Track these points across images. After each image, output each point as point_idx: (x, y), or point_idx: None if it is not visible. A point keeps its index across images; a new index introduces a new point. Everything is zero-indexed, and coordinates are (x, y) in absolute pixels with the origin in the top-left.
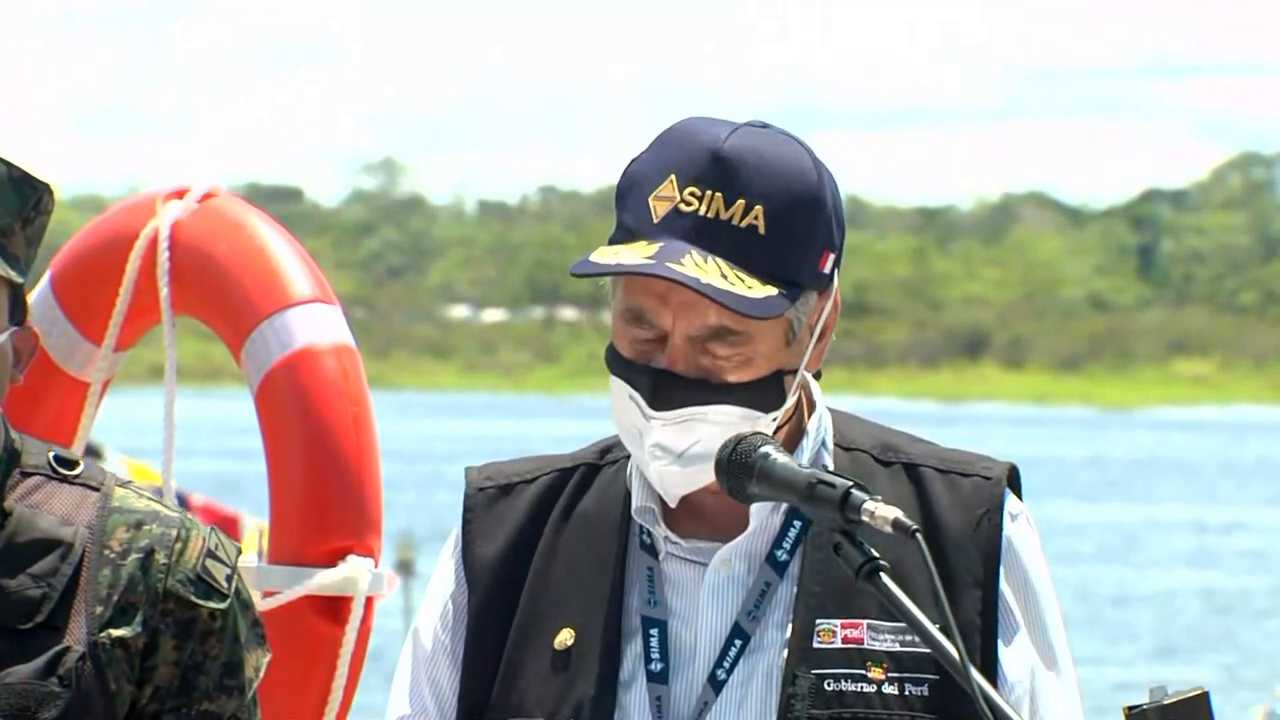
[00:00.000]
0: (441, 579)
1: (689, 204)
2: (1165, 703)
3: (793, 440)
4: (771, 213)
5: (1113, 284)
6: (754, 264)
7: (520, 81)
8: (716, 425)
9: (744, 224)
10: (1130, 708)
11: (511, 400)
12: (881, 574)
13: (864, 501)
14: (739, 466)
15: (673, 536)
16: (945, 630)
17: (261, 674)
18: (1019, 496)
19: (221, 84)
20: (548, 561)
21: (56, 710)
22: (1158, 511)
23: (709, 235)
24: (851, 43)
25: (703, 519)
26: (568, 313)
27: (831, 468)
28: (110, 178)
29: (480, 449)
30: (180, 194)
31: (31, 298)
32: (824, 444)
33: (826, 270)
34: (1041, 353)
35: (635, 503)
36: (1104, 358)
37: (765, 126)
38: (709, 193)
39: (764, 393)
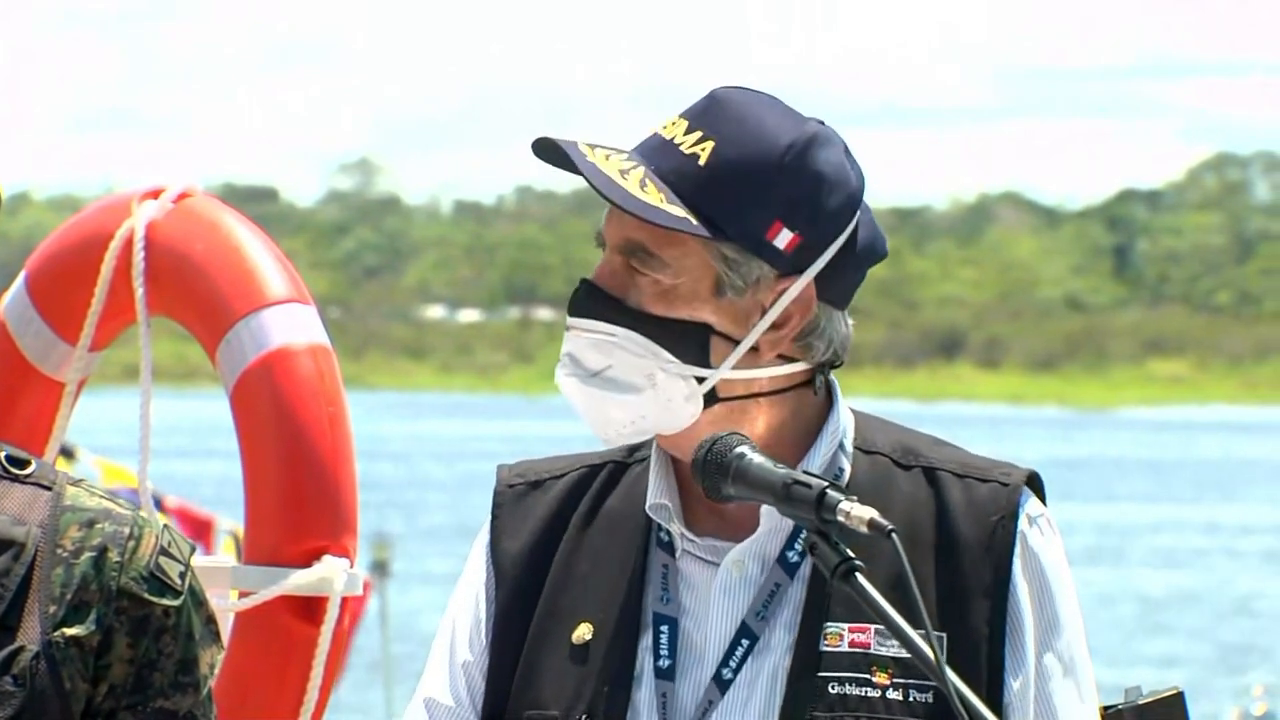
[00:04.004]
0: (471, 571)
1: (665, 131)
2: (1140, 703)
3: (806, 440)
4: (719, 151)
5: (1088, 284)
6: (683, 190)
7: (500, 82)
8: (632, 356)
9: (688, 151)
10: (1106, 708)
11: (487, 400)
12: (857, 574)
13: (839, 502)
14: (714, 466)
15: (689, 534)
16: (922, 633)
17: (216, 670)
18: (1043, 501)
19: (197, 86)
20: (571, 557)
21: (12, 709)
22: (1133, 511)
23: (656, 153)
24: (830, 44)
25: (719, 517)
26: (544, 313)
27: (849, 470)
28: (86, 179)
29: (457, 449)
30: (156, 194)
31: (7, 297)
32: (842, 446)
33: (777, 244)
34: (1017, 353)
35: (650, 499)
36: (1080, 358)
37: (820, 123)
38: (683, 122)
39: (679, 338)
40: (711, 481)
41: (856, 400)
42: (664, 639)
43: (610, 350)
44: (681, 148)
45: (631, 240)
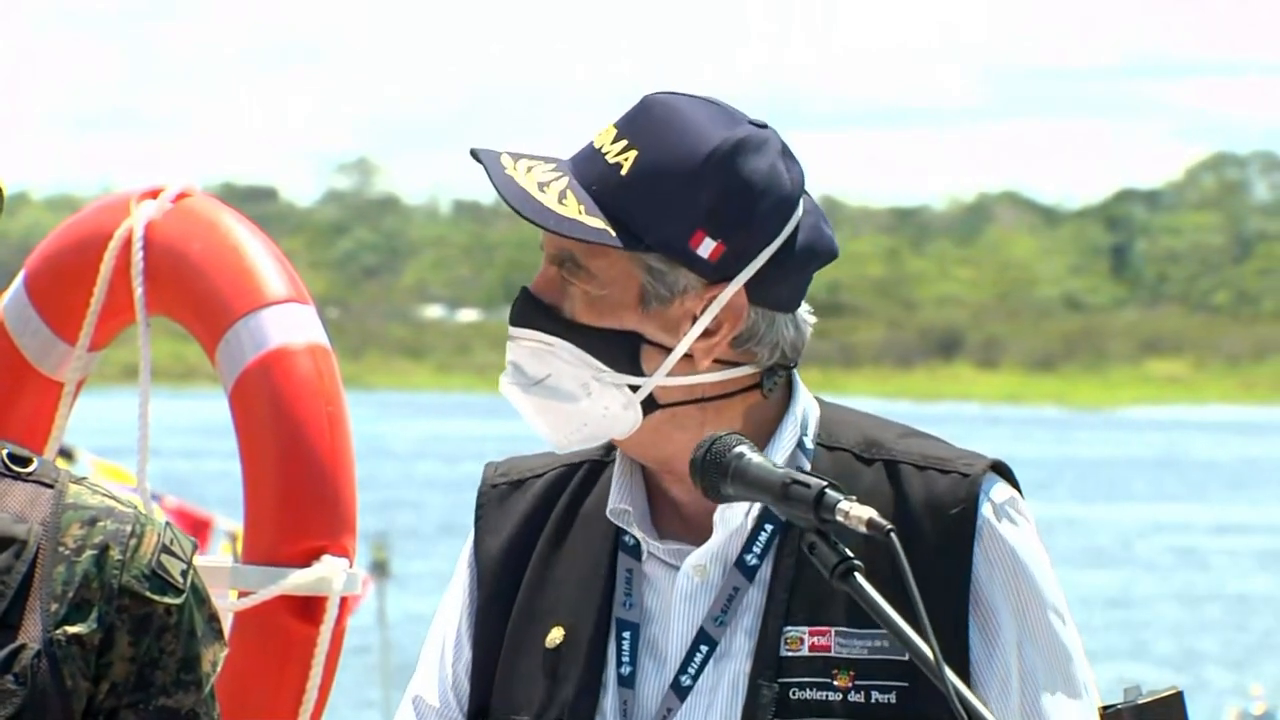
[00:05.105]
0: (458, 573)
1: (597, 140)
2: (1140, 702)
3: (761, 441)
4: (641, 160)
5: (1087, 284)
6: (605, 200)
7: (499, 82)
8: (567, 365)
9: (612, 160)
10: (1105, 707)
11: (486, 400)
12: (856, 574)
13: (838, 501)
14: (713, 466)
15: (650, 539)
16: (920, 631)
17: (219, 668)
18: (1018, 490)
19: (196, 86)
20: (547, 558)
21: (13, 708)
22: (1131, 512)
23: (583, 163)
24: (826, 43)
25: (682, 520)
26: None
27: (808, 468)
28: (84, 178)
29: (456, 449)
30: (155, 194)
31: (5, 297)
32: (802, 443)
33: (701, 253)
34: (1015, 353)
35: (611, 504)
36: (1078, 358)
37: (760, 125)
38: (614, 130)
39: (610, 347)
40: (710, 482)
41: (854, 400)
42: (625, 645)
43: (548, 359)
44: (607, 157)
45: (563, 250)
